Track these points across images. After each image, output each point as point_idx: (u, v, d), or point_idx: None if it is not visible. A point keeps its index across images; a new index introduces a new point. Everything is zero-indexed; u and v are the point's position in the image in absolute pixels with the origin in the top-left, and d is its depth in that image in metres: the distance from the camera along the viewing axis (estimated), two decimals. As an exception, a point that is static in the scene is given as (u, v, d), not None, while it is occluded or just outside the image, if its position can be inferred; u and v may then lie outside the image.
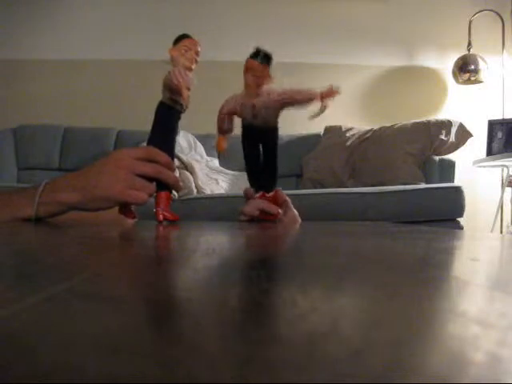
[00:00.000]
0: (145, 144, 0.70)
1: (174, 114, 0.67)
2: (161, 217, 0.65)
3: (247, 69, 0.63)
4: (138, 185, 0.63)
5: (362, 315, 0.14)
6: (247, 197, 0.73)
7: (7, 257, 0.28)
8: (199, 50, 0.67)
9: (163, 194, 0.66)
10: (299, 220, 0.75)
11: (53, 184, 0.64)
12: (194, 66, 0.67)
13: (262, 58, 0.62)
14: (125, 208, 0.66)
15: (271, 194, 0.71)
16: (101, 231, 0.56)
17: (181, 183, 0.69)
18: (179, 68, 0.64)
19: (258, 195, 0.71)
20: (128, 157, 0.64)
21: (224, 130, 0.67)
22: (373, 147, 2.36)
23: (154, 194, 0.66)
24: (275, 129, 0.67)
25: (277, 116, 0.66)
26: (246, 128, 0.67)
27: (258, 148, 0.69)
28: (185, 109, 0.68)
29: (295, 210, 0.75)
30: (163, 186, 0.66)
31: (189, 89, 0.66)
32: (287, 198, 0.74)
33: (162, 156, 0.65)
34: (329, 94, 0.62)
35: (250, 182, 0.72)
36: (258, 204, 0.71)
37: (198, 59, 0.67)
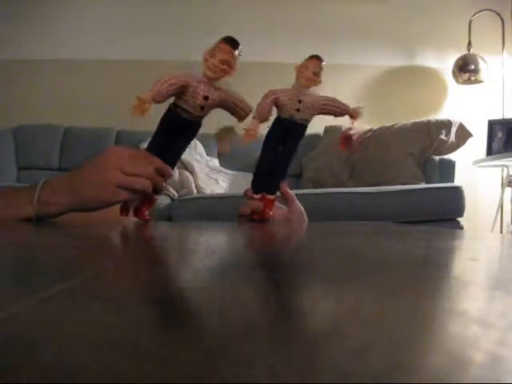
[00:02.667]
0: (145, 146, 0.69)
1: (179, 121, 0.63)
2: (141, 216, 0.66)
3: (308, 67, 0.66)
4: (128, 183, 0.61)
5: (362, 315, 0.14)
6: (247, 197, 0.72)
7: (7, 257, 0.28)
8: (229, 57, 0.59)
9: (150, 195, 0.66)
10: (305, 216, 0.75)
11: (50, 184, 0.64)
12: (218, 75, 0.60)
13: (322, 60, 0.66)
14: (125, 207, 0.66)
15: (273, 196, 0.71)
16: (101, 231, 0.56)
17: (164, 185, 0.67)
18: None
19: (258, 196, 0.70)
20: (118, 155, 0.63)
21: (265, 116, 0.66)
22: (373, 147, 2.36)
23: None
24: (305, 129, 0.69)
25: (312, 118, 0.69)
26: (280, 121, 0.68)
27: (278, 148, 0.69)
28: (196, 118, 0.63)
29: (301, 206, 0.75)
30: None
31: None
32: (292, 194, 0.74)
33: (155, 159, 0.63)
34: (358, 115, 0.70)
35: (254, 182, 0.72)
36: (251, 204, 0.71)
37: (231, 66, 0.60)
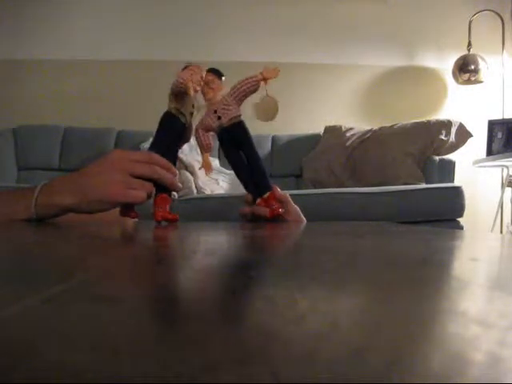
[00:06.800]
0: (146, 146, 0.71)
1: (178, 125, 0.68)
2: (159, 217, 0.65)
3: (205, 83, 0.69)
4: (135, 185, 0.62)
5: (361, 315, 0.14)
6: (247, 202, 0.74)
7: (7, 257, 0.28)
8: (204, 74, 0.68)
9: (162, 195, 0.66)
10: (302, 216, 0.75)
11: (50, 186, 0.64)
12: (198, 88, 0.68)
13: (216, 72, 0.70)
14: (126, 209, 0.66)
15: (266, 195, 0.71)
16: (101, 231, 0.56)
17: (179, 184, 0.70)
18: (187, 71, 0.66)
19: (258, 201, 0.71)
20: (124, 158, 0.64)
21: (206, 145, 0.71)
22: (373, 147, 2.36)
23: (153, 196, 0.66)
24: (241, 124, 0.70)
25: (238, 111, 0.70)
26: (220, 135, 0.71)
27: (239, 153, 0.72)
28: (189, 123, 0.69)
29: (296, 206, 0.75)
30: (162, 188, 0.66)
31: (196, 90, 0.67)
32: (286, 195, 0.74)
33: (161, 160, 0.65)
34: (269, 73, 0.68)
35: (246, 190, 0.74)
36: (252, 208, 0.72)
37: (201, 84, 0.68)
